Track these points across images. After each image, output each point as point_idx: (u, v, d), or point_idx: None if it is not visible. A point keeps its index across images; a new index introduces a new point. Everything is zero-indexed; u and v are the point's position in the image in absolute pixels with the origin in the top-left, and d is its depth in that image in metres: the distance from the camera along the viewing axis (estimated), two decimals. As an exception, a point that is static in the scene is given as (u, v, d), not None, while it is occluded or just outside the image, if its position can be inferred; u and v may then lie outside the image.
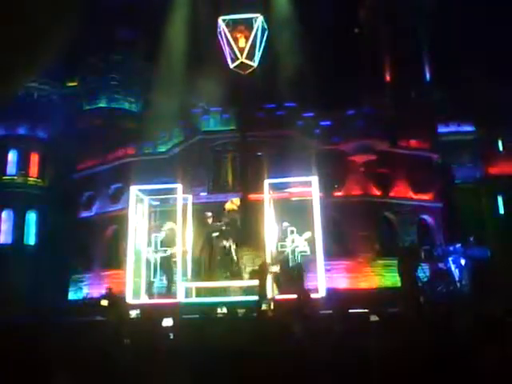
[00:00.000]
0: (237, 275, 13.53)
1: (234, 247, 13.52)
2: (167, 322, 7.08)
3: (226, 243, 13.39)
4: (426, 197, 23.30)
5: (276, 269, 12.58)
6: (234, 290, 13.04)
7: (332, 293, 12.56)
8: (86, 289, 23.04)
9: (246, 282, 13.10)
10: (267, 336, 5.34)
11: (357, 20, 32.96)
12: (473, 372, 4.07)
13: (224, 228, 13.51)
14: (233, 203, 13.85)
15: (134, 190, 13.87)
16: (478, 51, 27.60)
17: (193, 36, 23.59)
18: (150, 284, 13.38)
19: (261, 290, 10.72)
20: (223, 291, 13.00)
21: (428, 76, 30.73)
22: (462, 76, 28.04)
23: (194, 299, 12.96)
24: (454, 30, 28.03)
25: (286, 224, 13.69)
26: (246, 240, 14.59)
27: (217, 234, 13.55)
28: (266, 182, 13.64)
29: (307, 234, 13.18)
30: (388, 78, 30.84)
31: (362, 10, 32.49)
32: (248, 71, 16.68)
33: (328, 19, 27.68)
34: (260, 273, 11.24)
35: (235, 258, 13.56)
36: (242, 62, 16.55)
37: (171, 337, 6.57)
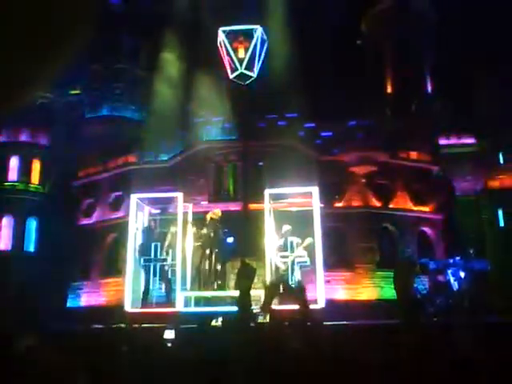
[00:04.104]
0: (221, 286, 13.45)
1: (214, 257, 13.39)
2: (169, 334, 7.06)
3: (207, 252, 13.32)
4: (426, 209, 23.30)
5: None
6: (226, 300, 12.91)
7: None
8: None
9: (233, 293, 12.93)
10: (264, 347, 5.33)
11: (359, 31, 33.17)
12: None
13: (204, 237, 13.44)
14: (214, 213, 13.82)
15: (135, 199, 13.91)
16: (479, 64, 27.75)
17: (195, 46, 23.76)
18: (145, 293, 13.33)
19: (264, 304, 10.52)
20: (220, 301, 12.93)
21: (429, 88, 30.86)
22: (462, 88, 28.16)
23: (192, 309, 12.94)
24: (456, 43, 28.20)
25: (286, 227, 13.47)
26: (245, 250, 14.54)
27: (198, 243, 13.49)
28: (267, 192, 13.65)
29: (308, 241, 13.07)
30: (389, 89, 30.97)
31: (364, 22, 32.69)
32: (247, 82, 16.76)
33: (330, 30, 27.87)
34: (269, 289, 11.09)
35: (213, 267, 13.41)
36: (241, 73, 16.64)
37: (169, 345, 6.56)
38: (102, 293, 22.54)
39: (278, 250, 13.29)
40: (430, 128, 27.49)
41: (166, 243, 13.47)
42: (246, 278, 6.39)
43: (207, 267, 13.24)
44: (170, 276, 13.51)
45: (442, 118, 28.56)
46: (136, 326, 7.65)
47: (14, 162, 30.60)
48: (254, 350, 5.08)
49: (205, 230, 13.42)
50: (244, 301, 6.58)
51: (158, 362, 4.84)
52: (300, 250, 13.24)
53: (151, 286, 13.44)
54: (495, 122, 26.97)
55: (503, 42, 26.74)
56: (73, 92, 33.79)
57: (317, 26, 27.36)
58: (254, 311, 11.14)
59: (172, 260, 13.22)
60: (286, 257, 13.30)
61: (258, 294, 12.49)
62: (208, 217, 13.65)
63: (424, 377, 4.19)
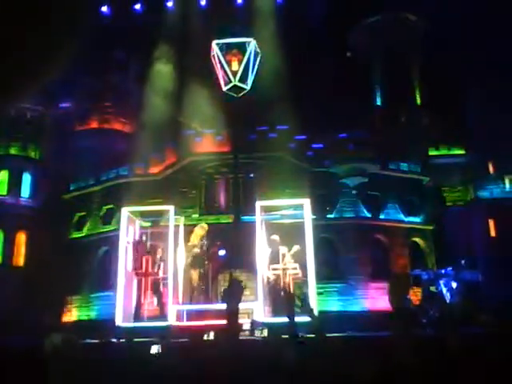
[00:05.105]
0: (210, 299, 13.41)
1: (204, 269, 13.36)
2: (156, 348, 7.02)
3: (197, 266, 13.28)
4: (417, 219, 23.39)
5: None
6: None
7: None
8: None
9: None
10: (257, 361, 5.29)
11: (349, 44, 33.43)
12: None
13: (196, 253, 13.41)
14: (202, 228, 13.81)
15: (126, 212, 13.85)
16: (468, 76, 28.01)
17: (187, 58, 23.83)
18: (138, 307, 13.24)
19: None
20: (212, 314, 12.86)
21: (419, 100, 31.13)
22: (452, 100, 28.40)
23: (184, 322, 12.85)
24: (445, 55, 28.49)
25: (274, 237, 13.47)
26: (236, 262, 14.51)
27: (190, 259, 13.46)
28: (258, 204, 13.66)
29: (295, 248, 13.08)
30: (379, 101, 31.20)
31: (354, 35, 32.95)
32: (241, 94, 16.82)
33: (320, 43, 28.08)
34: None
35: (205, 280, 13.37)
36: (234, 85, 16.69)
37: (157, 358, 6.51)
38: (92, 307, 22.33)
39: (269, 261, 13.29)
40: (420, 139, 27.68)
41: (158, 256, 13.43)
42: (232, 298, 6.41)
43: (198, 280, 13.21)
44: (161, 290, 13.44)
45: (431, 129, 28.77)
46: (125, 340, 7.58)
47: (4, 176, 30.41)
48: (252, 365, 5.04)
49: (193, 243, 13.40)
50: (232, 315, 6.57)
51: (143, 377, 4.79)
52: (289, 259, 13.25)
53: (143, 300, 13.35)
54: (485, 132, 27.17)
55: (493, 53, 27.04)
56: (63, 105, 33.68)
57: (307, 39, 27.57)
58: (247, 325, 11.09)
59: (164, 274, 13.17)
60: (277, 269, 13.29)
61: (249, 306, 12.49)
62: (196, 230, 13.64)
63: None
